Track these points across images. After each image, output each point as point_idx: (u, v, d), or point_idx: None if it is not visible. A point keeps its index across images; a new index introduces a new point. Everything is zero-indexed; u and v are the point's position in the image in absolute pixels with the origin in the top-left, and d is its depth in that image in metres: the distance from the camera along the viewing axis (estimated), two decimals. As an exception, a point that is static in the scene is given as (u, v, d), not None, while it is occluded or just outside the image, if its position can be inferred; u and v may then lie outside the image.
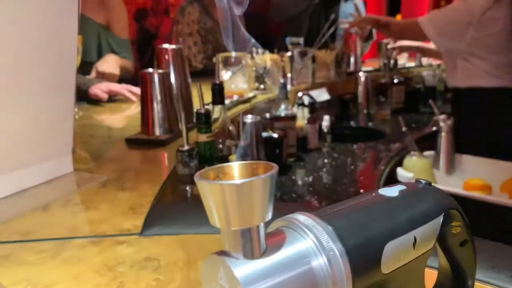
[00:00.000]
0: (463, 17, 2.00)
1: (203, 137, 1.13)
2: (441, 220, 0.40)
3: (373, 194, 0.40)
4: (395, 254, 0.36)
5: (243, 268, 0.30)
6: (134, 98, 2.03)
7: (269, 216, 0.31)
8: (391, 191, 0.40)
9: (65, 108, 1.00)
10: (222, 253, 0.31)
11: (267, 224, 0.34)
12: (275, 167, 0.30)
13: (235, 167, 0.32)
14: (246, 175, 0.31)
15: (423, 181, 0.43)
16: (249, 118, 1.47)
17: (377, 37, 3.23)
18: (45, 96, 0.93)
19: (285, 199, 1.39)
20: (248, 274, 0.30)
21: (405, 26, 2.36)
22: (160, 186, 0.95)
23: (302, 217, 0.34)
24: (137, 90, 2.04)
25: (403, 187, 0.41)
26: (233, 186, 0.28)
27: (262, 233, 0.31)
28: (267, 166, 0.31)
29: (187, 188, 1.03)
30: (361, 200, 0.39)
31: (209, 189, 0.29)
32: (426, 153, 1.94)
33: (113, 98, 2.11)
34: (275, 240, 0.32)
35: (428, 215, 0.39)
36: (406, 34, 2.38)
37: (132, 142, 1.33)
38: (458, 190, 1.73)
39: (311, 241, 0.33)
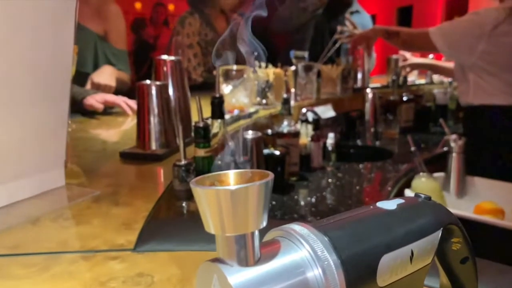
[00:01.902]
0: (473, 29, 2.04)
1: (201, 152, 1.15)
2: (440, 234, 0.42)
3: (371, 207, 0.42)
4: (392, 267, 0.38)
5: (237, 276, 0.31)
6: (129, 111, 2.06)
7: (264, 223, 0.33)
8: (389, 204, 0.42)
9: (59, 120, 1.02)
10: (216, 260, 0.33)
11: (263, 234, 0.36)
12: (270, 175, 0.32)
13: (231, 175, 0.34)
14: (241, 183, 0.33)
15: (422, 196, 0.45)
16: (249, 134, 1.50)
17: (384, 51, 3.26)
18: (38, 106, 0.95)
19: (287, 220, 1.41)
20: (242, 282, 0.31)
21: (416, 35, 2.39)
22: (155, 202, 0.97)
23: (297, 227, 0.36)
24: (134, 103, 2.07)
25: (401, 201, 0.43)
26: (228, 191, 0.30)
27: (256, 240, 0.33)
28: (263, 174, 0.33)
29: (184, 204, 1.05)
30: (358, 212, 0.41)
31: (204, 195, 0.31)
32: (436, 174, 1.95)
33: (108, 110, 2.14)
34: (270, 249, 0.34)
35: (426, 229, 0.41)
36: (415, 43, 2.41)
37: (127, 157, 1.35)
38: (469, 213, 1.73)
39: (306, 251, 0.35)
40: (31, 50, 0.91)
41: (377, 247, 0.37)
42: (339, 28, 2.82)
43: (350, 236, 0.37)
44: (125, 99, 2.11)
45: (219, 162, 0.40)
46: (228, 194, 0.30)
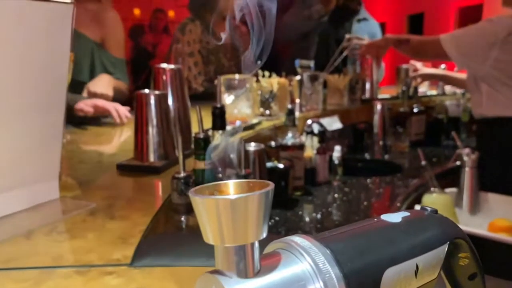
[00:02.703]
0: (486, 37, 2.05)
1: (201, 165, 1.16)
2: (446, 249, 0.43)
3: (375, 219, 0.43)
4: (396, 281, 0.38)
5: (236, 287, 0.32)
6: (118, 119, 2.08)
7: (264, 234, 0.34)
8: (394, 217, 0.43)
9: (54, 130, 1.04)
10: (215, 271, 0.34)
11: (263, 246, 0.37)
12: (271, 185, 0.33)
13: (231, 185, 0.35)
14: (241, 193, 0.34)
15: (429, 209, 0.46)
16: (252, 146, 1.51)
17: (394, 60, 3.28)
18: (33, 115, 0.97)
19: (290, 236, 1.41)
20: (242, 294, 0.32)
21: (426, 42, 2.41)
22: (153, 216, 0.98)
23: (299, 239, 0.37)
24: (125, 111, 2.09)
25: (406, 214, 0.44)
26: (228, 201, 0.31)
27: (256, 251, 0.34)
28: (263, 184, 0.34)
29: (182, 218, 1.06)
30: (361, 225, 0.41)
31: (204, 204, 0.32)
32: (448, 190, 1.96)
33: (102, 120, 2.15)
34: (270, 261, 0.35)
35: (432, 243, 0.42)
36: (426, 51, 2.42)
37: (124, 169, 1.36)
38: (483, 231, 1.73)
39: (308, 264, 0.35)
40: (26, 57, 0.92)
41: (381, 261, 0.38)
42: (346, 36, 2.84)
43: (353, 248, 0.38)
44: (117, 105, 2.13)
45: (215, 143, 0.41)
46: (228, 204, 0.31)
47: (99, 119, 2.15)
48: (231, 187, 0.35)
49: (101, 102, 2.11)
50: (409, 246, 0.41)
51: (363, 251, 0.38)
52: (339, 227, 0.42)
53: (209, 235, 0.33)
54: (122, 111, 2.09)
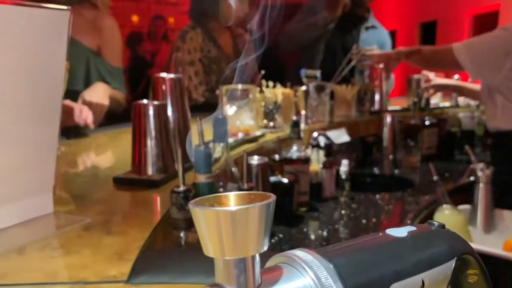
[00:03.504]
0: (501, 45, 2.06)
1: (201, 178, 1.17)
2: (453, 265, 0.44)
3: (380, 233, 0.44)
4: (401, 297, 0.39)
5: (236, 302, 0.34)
6: (78, 119, 2.08)
7: (265, 247, 0.35)
8: (399, 232, 0.44)
9: (48, 141, 1.05)
10: (215, 285, 0.35)
11: (265, 260, 0.39)
12: (272, 197, 0.35)
13: (232, 197, 0.37)
14: (242, 205, 0.35)
15: (436, 223, 0.47)
16: (255, 160, 1.52)
17: (404, 70, 3.30)
18: (26, 126, 0.98)
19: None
20: (242, 309, 0.33)
21: (439, 51, 2.42)
22: (151, 231, 0.99)
23: (301, 253, 0.38)
24: (89, 115, 2.09)
25: (412, 228, 0.45)
26: (228, 212, 0.32)
27: (257, 265, 0.35)
28: (264, 196, 0.35)
29: (182, 234, 1.07)
30: (366, 239, 0.43)
31: (203, 216, 0.33)
32: (461, 207, 1.96)
33: (81, 131, 2.16)
34: (271, 275, 0.36)
35: (439, 258, 0.43)
36: (438, 60, 2.44)
37: (121, 182, 1.37)
38: (498, 250, 1.73)
39: (310, 279, 0.36)
40: (20, 65, 0.93)
41: (385, 276, 0.39)
42: (354, 46, 2.86)
43: (357, 263, 0.39)
44: (83, 107, 2.13)
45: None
46: (228, 215, 0.32)
47: (76, 129, 2.15)
48: (232, 199, 0.37)
49: (67, 101, 2.11)
50: (415, 261, 0.42)
51: (367, 266, 0.39)
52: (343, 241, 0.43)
53: (209, 248, 0.34)
54: (85, 114, 2.09)
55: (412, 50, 2.55)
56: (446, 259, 0.44)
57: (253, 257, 0.34)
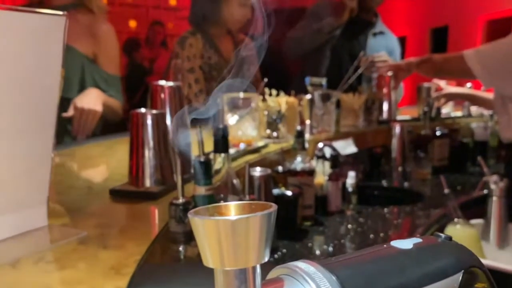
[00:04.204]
0: None
1: (201, 190, 1.18)
2: (460, 278, 0.45)
3: (384, 245, 0.45)
4: (405, 310, 0.40)
5: (236, 314, 0.35)
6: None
7: (266, 258, 0.36)
8: (405, 244, 0.45)
9: (43, 151, 1.06)
10: (215, 297, 0.36)
11: (266, 272, 0.40)
12: (273, 207, 0.36)
13: (232, 207, 0.38)
14: (243, 214, 0.36)
15: (443, 235, 0.48)
16: (257, 171, 1.53)
17: (414, 78, 3.30)
18: (20, 136, 0.99)
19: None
20: (242, 321, 0.35)
21: (449, 59, 2.44)
22: (149, 245, 0.99)
23: (303, 265, 0.39)
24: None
25: (418, 240, 0.46)
26: (228, 222, 0.33)
27: (258, 276, 0.36)
28: (265, 206, 0.37)
29: (180, 248, 1.07)
30: (370, 251, 0.44)
31: (203, 225, 0.34)
32: (473, 221, 1.96)
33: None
34: (272, 287, 0.37)
35: (445, 271, 0.44)
36: (449, 68, 2.45)
37: (118, 194, 1.38)
38: (512, 267, 1.74)
39: (312, 291, 0.38)
40: (13, 73, 0.95)
41: (390, 289, 0.40)
42: (361, 54, 2.88)
43: (360, 275, 0.40)
44: None
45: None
46: (228, 225, 0.33)
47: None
48: (232, 209, 0.38)
49: None
50: (420, 274, 0.43)
51: (371, 278, 0.40)
52: (345, 253, 0.44)
53: (209, 258, 0.35)
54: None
55: (423, 59, 2.56)
56: (453, 272, 0.45)
57: (254, 268, 0.35)
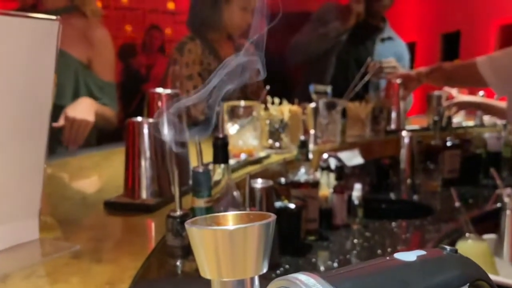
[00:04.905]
0: None
1: (200, 203, 1.19)
2: (465, 291, 0.46)
3: (387, 257, 0.46)
4: (408, 324, 0.41)
5: (234, 326, 0.36)
6: None
7: (264, 269, 0.37)
8: (408, 256, 0.46)
9: (35, 161, 1.07)
10: (213, 309, 0.37)
11: (265, 285, 0.41)
12: (272, 217, 0.37)
13: (230, 217, 0.39)
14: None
15: (448, 248, 0.49)
16: (258, 183, 1.53)
17: (424, 86, 3.31)
18: (11, 145, 1.00)
19: None
20: (240, 334, 0.36)
21: (461, 66, 2.44)
22: (145, 259, 1.00)
23: (303, 277, 0.40)
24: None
25: (422, 252, 0.47)
26: (226, 232, 0.34)
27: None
28: (264, 216, 0.38)
29: (178, 262, 1.08)
30: (372, 263, 0.45)
31: (200, 235, 0.35)
32: (486, 236, 1.96)
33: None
34: (271, 299, 0.38)
35: (449, 284, 0.45)
36: (460, 76, 2.46)
37: (112, 207, 1.39)
38: (527, 284, 1.74)
39: (312, 303, 0.39)
40: (5, 79, 0.96)
41: (392, 302, 0.41)
42: (368, 60, 2.89)
43: (362, 288, 0.41)
44: None
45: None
46: (226, 235, 0.35)
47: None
48: (230, 219, 0.39)
49: None
50: (424, 287, 0.44)
51: (373, 291, 0.41)
52: (347, 265, 0.45)
53: (206, 269, 0.36)
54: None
55: (432, 68, 2.57)
56: (458, 285, 0.46)
57: (252, 279, 0.36)
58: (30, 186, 1.08)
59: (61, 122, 2.31)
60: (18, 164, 1.03)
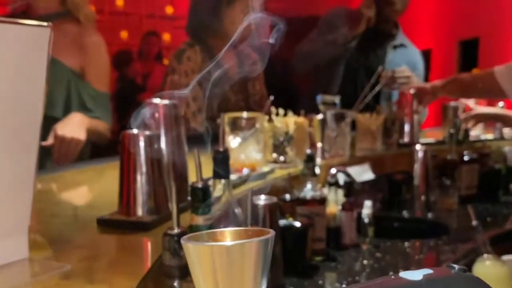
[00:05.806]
0: None
1: (199, 220, 1.20)
2: (474, 312, 0.47)
3: (392, 277, 0.47)
4: None
5: None
6: None
7: (263, 287, 0.38)
8: (414, 275, 0.47)
9: (24, 176, 1.08)
10: (209, 328, 0.38)
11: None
12: (271, 233, 0.38)
13: (228, 233, 0.40)
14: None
15: (456, 267, 0.50)
16: (262, 199, 1.54)
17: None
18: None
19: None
20: None
21: (478, 77, 2.45)
22: (140, 280, 1.01)
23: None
24: None
25: (429, 271, 0.48)
26: (223, 248, 0.36)
27: (254, 307, 0.38)
28: (262, 232, 0.39)
29: (175, 283, 1.09)
30: (377, 281, 0.46)
31: (197, 251, 0.37)
32: (505, 257, 1.96)
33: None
34: (271, 319, 0.40)
35: (457, 305, 0.46)
36: (479, 88, 2.46)
37: (106, 224, 1.39)
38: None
39: (313, 323, 0.40)
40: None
41: (396, 322, 0.42)
42: (380, 68, 2.90)
43: (365, 308, 0.42)
44: None
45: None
46: (223, 251, 0.36)
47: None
48: (228, 236, 0.40)
49: None
50: (430, 307, 0.45)
51: (377, 311, 0.42)
52: (352, 284, 0.46)
53: (202, 286, 0.37)
54: None
55: (448, 80, 2.58)
56: (466, 306, 0.47)
57: (251, 298, 0.38)
58: (19, 202, 1.08)
59: (50, 140, 2.32)
60: (5, 179, 1.04)
